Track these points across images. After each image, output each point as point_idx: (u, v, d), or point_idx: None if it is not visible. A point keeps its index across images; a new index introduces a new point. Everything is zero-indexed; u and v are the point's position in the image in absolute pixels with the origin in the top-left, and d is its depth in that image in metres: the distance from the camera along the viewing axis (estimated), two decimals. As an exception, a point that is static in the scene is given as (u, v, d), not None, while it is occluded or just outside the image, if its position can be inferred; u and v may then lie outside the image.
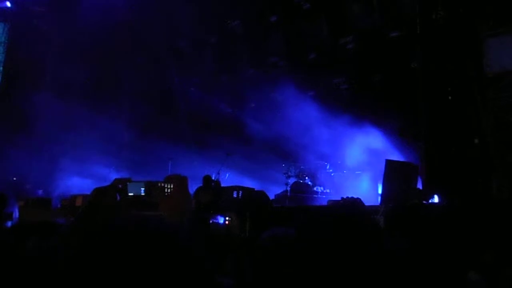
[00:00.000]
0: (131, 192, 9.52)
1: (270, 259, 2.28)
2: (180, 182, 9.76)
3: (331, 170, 12.11)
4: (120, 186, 2.82)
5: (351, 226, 1.32)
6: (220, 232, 6.48)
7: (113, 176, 13.34)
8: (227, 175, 12.35)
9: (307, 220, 1.38)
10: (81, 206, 10.75)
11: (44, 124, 13.32)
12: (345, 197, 1.48)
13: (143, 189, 9.15)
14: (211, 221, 7.05)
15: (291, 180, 11.86)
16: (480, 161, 8.08)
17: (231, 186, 10.19)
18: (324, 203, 10.29)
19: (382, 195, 9.02)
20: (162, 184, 9.27)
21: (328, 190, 11.75)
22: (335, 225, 1.32)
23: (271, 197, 10.84)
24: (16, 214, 3.85)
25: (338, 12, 12.70)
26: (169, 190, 8.63)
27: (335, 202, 1.43)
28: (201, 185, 9.99)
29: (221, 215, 7.22)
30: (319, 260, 1.29)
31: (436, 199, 8.30)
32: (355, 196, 1.48)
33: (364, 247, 1.27)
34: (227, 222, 7.11)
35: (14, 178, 13.25)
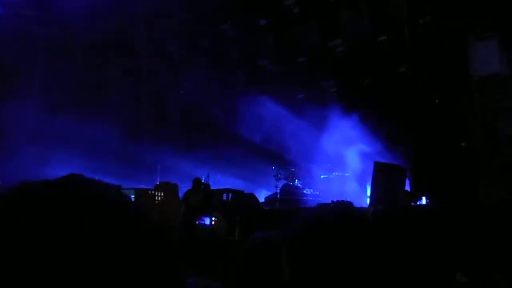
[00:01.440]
0: None
1: (253, 262, 2.30)
2: (171, 189, 9.73)
3: (320, 173, 12.17)
4: None
5: (344, 230, 1.35)
6: (206, 233, 6.47)
7: (103, 179, 13.30)
8: (217, 177, 12.35)
9: (297, 225, 1.40)
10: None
11: (30, 128, 13.21)
12: (335, 200, 1.50)
13: (133, 196, 9.22)
14: (197, 222, 7.05)
15: (281, 183, 11.90)
16: (467, 164, 8.18)
17: (221, 189, 10.20)
18: (314, 205, 10.34)
19: (371, 196, 9.08)
20: (153, 192, 9.23)
21: (317, 193, 11.81)
22: (326, 229, 1.34)
23: (261, 199, 10.87)
24: None
25: (328, 16, 12.76)
26: (159, 198, 8.59)
27: (325, 205, 1.44)
28: (190, 188, 10.00)
29: (207, 216, 7.22)
30: (309, 264, 1.31)
31: (423, 201, 8.38)
32: (345, 199, 1.50)
33: (357, 251, 1.30)
34: (213, 223, 7.11)
35: (1, 183, 13.12)
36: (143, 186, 12.45)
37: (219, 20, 14.25)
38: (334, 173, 11.87)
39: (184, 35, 14.47)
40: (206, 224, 7.33)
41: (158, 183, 10.23)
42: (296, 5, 12.97)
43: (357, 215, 1.43)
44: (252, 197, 9.95)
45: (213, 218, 7.30)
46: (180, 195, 10.54)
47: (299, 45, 13.35)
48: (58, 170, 13.28)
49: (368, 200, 9.29)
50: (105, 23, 13.45)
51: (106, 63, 13.80)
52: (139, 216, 0.72)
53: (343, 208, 1.45)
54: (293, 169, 12.28)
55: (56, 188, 0.70)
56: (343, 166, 11.62)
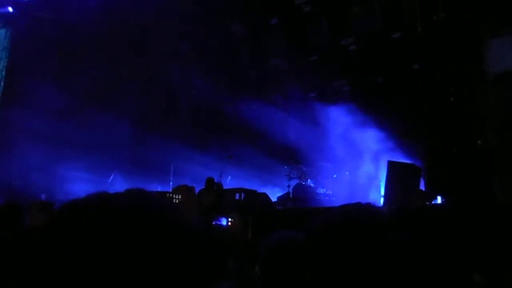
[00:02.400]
0: None
1: (278, 264, 2.27)
2: (188, 192, 9.80)
3: (333, 172, 12.09)
4: None
5: (367, 231, 1.31)
6: (222, 234, 6.47)
7: (116, 179, 13.37)
8: (229, 177, 12.34)
9: (322, 227, 1.36)
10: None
11: (46, 127, 13.32)
12: (357, 202, 1.46)
13: None
14: (213, 223, 7.05)
15: (293, 182, 11.84)
16: (482, 162, 8.06)
17: (233, 189, 10.19)
18: (327, 204, 10.29)
19: (384, 196, 9.00)
20: (171, 195, 9.32)
21: (330, 192, 11.74)
22: (349, 230, 1.31)
23: (274, 199, 10.83)
24: (27, 223, 3.84)
25: (339, 14, 12.69)
26: (177, 201, 8.68)
27: (349, 206, 1.40)
28: (203, 187, 10.00)
29: (224, 217, 7.21)
30: (332, 269, 1.28)
31: (439, 200, 8.28)
32: (359, 200, 1.46)
33: (379, 251, 1.26)
34: (229, 224, 7.10)
35: (17, 182, 13.25)
36: (157, 187, 12.50)
37: (230, 19, 14.25)
38: (346, 172, 11.79)
39: (195, 35, 14.50)
40: (223, 225, 7.33)
41: (176, 186, 10.28)
42: (307, 4, 12.91)
43: (380, 216, 1.40)
44: (265, 197, 9.92)
45: (230, 219, 7.29)
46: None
47: (310, 44, 13.30)
48: (72, 169, 13.41)
49: (382, 200, 9.21)
50: (117, 23, 13.53)
51: (118, 63, 13.86)
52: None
53: (367, 210, 1.42)
54: (305, 169, 12.21)
55: (130, 199, 0.79)
56: (356, 165, 11.53)
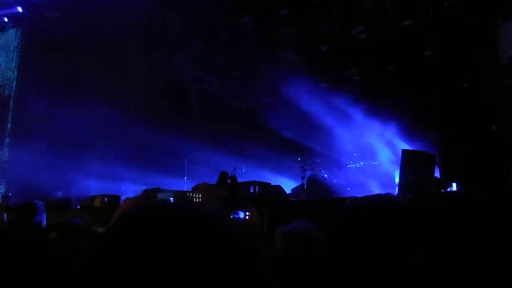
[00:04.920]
0: None
1: (291, 252, 2.29)
2: (208, 190, 9.88)
3: (347, 162, 12.06)
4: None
5: (386, 220, 1.32)
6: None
7: (130, 175, 13.47)
8: (243, 170, 12.38)
9: (341, 215, 1.37)
10: (99, 207, 10.89)
11: (61, 125, 13.46)
12: (381, 194, 1.47)
13: (172, 198, 9.28)
14: (231, 216, 7.09)
15: (307, 174, 11.83)
16: (497, 148, 7.99)
17: (248, 182, 10.23)
18: (341, 195, 10.27)
19: (399, 185, 8.96)
20: (191, 194, 9.44)
21: (344, 182, 11.71)
22: (369, 219, 1.32)
23: (288, 191, 10.84)
24: (44, 222, 3.91)
25: (349, 3, 12.62)
26: (198, 200, 8.79)
27: (368, 197, 1.42)
28: (217, 181, 10.08)
29: (242, 210, 7.26)
30: (349, 261, 1.29)
31: (454, 187, 8.23)
32: (381, 191, 1.48)
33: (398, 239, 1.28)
34: (247, 217, 7.14)
35: (33, 181, 13.44)
36: (172, 183, 12.58)
37: (240, 12, 14.23)
38: (361, 162, 11.75)
39: (205, 29, 14.51)
40: (241, 218, 7.38)
41: (196, 184, 10.37)
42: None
43: (400, 205, 1.41)
44: (279, 189, 9.94)
45: (247, 213, 7.34)
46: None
47: (321, 34, 13.24)
48: (87, 167, 13.54)
49: (396, 189, 9.17)
50: (126, 21, 13.58)
51: (128, 61, 13.93)
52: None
53: (386, 200, 1.43)
54: (318, 160, 12.19)
55: (184, 210, 0.79)
56: (370, 155, 11.49)
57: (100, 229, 3.81)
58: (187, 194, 8.95)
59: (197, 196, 8.74)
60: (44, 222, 3.93)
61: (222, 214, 0.81)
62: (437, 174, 8.85)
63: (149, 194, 8.93)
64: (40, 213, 3.90)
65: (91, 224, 3.98)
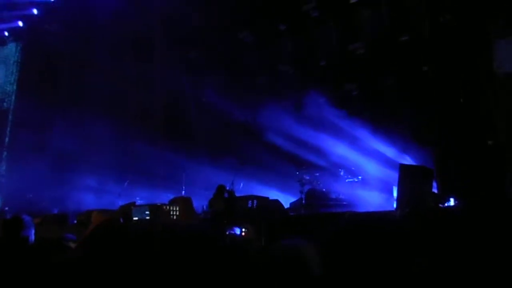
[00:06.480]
0: (136, 217, 9.60)
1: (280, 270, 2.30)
2: (185, 203, 9.87)
3: (345, 177, 12.08)
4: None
5: (374, 235, 1.35)
6: (237, 242, 6.50)
7: (128, 190, 13.44)
8: (241, 184, 12.37)
9: (331, 236, 1.41)
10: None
11: (58, 140, 13.47)
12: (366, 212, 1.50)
13: (147, 212, 9.19)
14: (227, 232, 7.07)
15: (306, 188, 11.83)
16: (494, 162, 8.02)
17: (246, 196, 10.21)
18: (339, 210, 10.26)
19: (397, 199, 8.97)
20: (168, 207, 9.37)
21: (343, 197, 11.71)
22: (360, 234, 1.35)
23: (286, 205, 10.83)
24: (32, 237, 3.87)
25: (347, 19, 12.74)
26: (175, 213, 8.75)
27: (357, 214, 1.45)
28: (214, 194, 10.09)
29: (238, 227, 7.24)
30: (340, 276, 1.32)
31: (452, 202, 8.24)
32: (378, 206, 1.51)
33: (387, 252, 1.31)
34: (243, 234, 7.13)
35: (30, 195, 13.39)
36: (169, 196, 12.56)
37: (238, 27, 14.33)
38: (359, 177, 11.76)
39: (204, 42, 14.59)
40: (237, 234, 7.36)
41: (172, 198, 10.35)
42: (314, 9, 12.97)
43: (386, 220, 1.44)
44: (277, 203, 9.93)
45: (244, 229, 7.32)
46: (205, 203, 10.65)
47: (319, 49, 13.34)
48: (84, 181, 13.51)
49: (395, 204, 9.18)
50: (125, 34, 13.67)
51: (126, 74, 13.97)
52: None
53: (373, 216, 1.46)
54: (317, 174, 12.20)
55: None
56: (367, 169, 11.51)
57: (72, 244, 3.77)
58: (164, 207, 8.91)
59: (174, 209, 8.72)
60: (32, 237, 3.88)
61: (194, 228, 0.85)
62: (434, 189, 8.86)
63: (124, 209, 8.91)
64: (27, 228, 3.85)
65: (62, 239, 3.93)
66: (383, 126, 11.33)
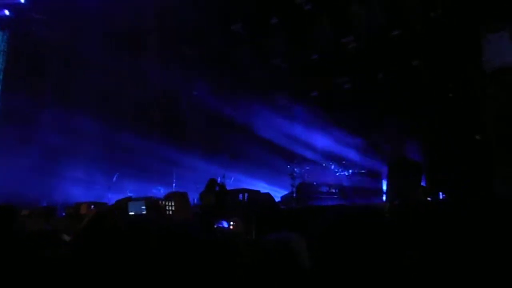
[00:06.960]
0: (132, 211, 9.52)
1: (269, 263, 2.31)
2: (181, 198, 9.83)
3: (336, 170, 12.13)
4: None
5: (364, 228, 1.36)
6: (225, 235, 6.52)
7: (118, 183, 13.38)
8: (232, 178, 12.39)
9: (321, 230, 1.41)
10: (85, 214, 10.77)
11: (46, 132, 13.35)
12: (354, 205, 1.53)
13: (144, 207, 9.09)
14: (215, 226, 7.09)
15: (297, 181, 11.87)
16: (482, 157, 8.10)
17: (237, 189, 10.23)
18: (330, 203, 10.33)
19: (386, 192, 9.05)
20: (164, 202, 9.33)
21: (334, 190, 11.76)
22: (348, 227, 1.36)
23: (277, 199, 10.86)
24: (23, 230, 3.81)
25: (339, 12, 12.74)
26: (171, 208, 8.72)
27: (346, 207, 1.46)
28: (205, 188, 10.08)
29: (225, 220, 7.24)
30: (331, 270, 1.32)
31: (440, 196, 8.33)
32: (368, 199, 1.53)
33: (376, 245, 1.31)
34: (231, 227, 7.14)
35: (18, 188, 13.25)
36: (161, 189, 12.53)
37: (230, 20, 14.27)
38: (350, 170, 11.83)
39: (195, 36, 14.52)
40: (225, 227, 7.37)
41: (168, 193, 10.32)
42: (307, 3, 12.96)
43: (376, 213, 1.44)
44: (268, 197, 9.95)
45: (231, 223, 7.33)
46: (196, 196, 10.63)
47: (311, 43, 13.33)
48: (73, 174, 13.41)
49: (384, 196, 9.26)
50: (116, 26, 13.55)
51: (117, 67, 13.84)
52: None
53: (362, 209, 1.47)
54: (308, 167, 12.24)
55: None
56: (358, 163, 11.59)
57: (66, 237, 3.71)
58: (160, 202, 8.87)
59: (170, 204, 8.68)
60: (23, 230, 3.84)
61: (193, 223, 0.85)
62: (423, 182, 8.95)
63: (120, 203, 8.86)
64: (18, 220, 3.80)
65: (57, 231, 3.86)
66: (374, 120, 11.39)
